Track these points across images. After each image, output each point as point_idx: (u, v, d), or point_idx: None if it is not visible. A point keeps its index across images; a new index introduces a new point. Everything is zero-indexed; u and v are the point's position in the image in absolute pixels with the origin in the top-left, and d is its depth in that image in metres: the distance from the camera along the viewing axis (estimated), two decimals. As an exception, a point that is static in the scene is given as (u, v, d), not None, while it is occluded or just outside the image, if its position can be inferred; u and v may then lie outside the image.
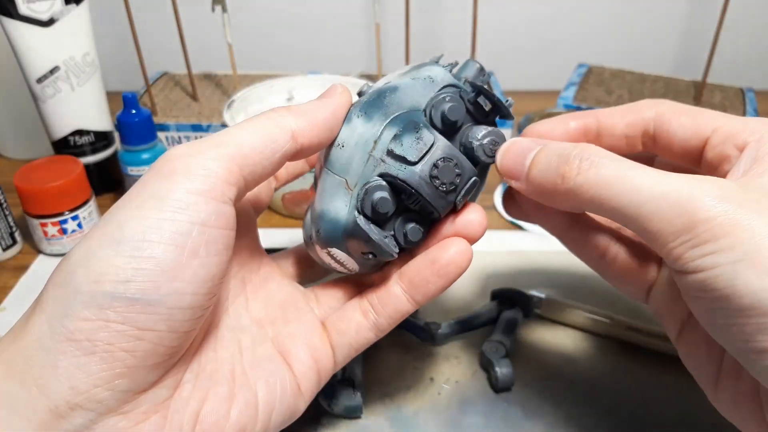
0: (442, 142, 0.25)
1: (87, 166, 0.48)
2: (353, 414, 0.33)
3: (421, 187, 0.25)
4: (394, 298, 0.28)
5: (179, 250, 0.21)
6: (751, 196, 0.21)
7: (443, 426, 0.33)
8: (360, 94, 0.28)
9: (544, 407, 0.33)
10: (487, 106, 0.26)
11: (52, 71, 0.50)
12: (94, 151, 0.54)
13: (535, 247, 0.47)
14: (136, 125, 0.48)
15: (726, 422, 0.25)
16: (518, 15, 0.74)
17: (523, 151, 0.26)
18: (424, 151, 0.25)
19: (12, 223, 0.47)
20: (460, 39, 0.70)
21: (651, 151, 0.29)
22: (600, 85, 0.65)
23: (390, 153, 0.25)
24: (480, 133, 0.26)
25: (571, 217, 0.29)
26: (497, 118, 0.27)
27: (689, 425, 0.32)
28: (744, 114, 0.60)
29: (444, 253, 0.27)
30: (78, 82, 0.51)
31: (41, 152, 0.58)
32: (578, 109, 0.60)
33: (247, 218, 0.31)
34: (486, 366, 0.35)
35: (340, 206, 0.26)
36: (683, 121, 0.26)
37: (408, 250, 0.29)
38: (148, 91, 0.60)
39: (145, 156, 0.49)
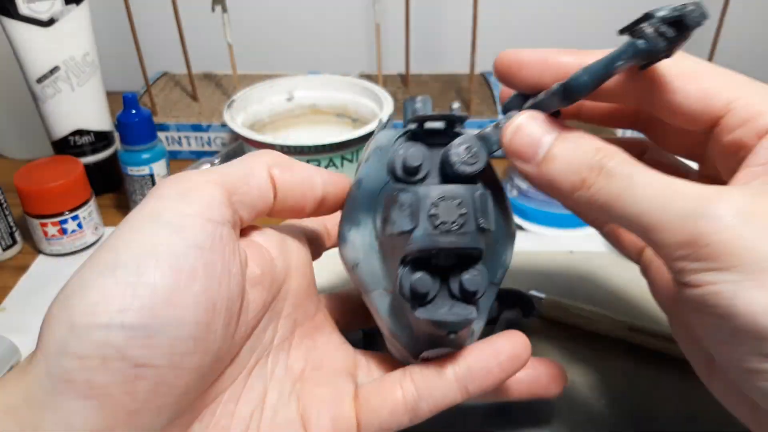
0: (421, 190, 0.23)
1: (87, 166, 0.48)
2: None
3: (437, 243, 0.23)
4: (444, 383, 0.25)
5: (177, 273, 0.20)
6: (760, 209, 0.20)
7: (443, 426, 0.33)
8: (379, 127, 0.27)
9: (545, 407, 0.33)
10: (438, 125, 0.25)
11: (52, 71, 0.50)
12: (94, 151, 0.54)
13: (535, 247, 0.47)
14: (136, 125, 0.48)
15: (726, 423, 0.25)
16: (518, 15, 0.74)
17: (536, 135, 0.23)
18: (411, 212, 0.23)
19: (12, 223, 0.47)
20: (460, 39, 0.70)
21: (641, 119, 0.27)
22: (600, 85, 0.65)
23: (391, 236, 0.24)
24: (451, 150, 0.24)
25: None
26: (459, 129, 0.25)
27: (689, 425, 0.32)
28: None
29: (508, 344, 0.25)
30: (78, 82, 0.51)
31: (41, 152, 0.58)
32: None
33: (299, 254, 0.27)
34: (486, 366, 0.35)
35: (384, 309, 0.26)
36: (690, 91, 0.23)
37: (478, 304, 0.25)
38: (148, 91, 0.60)
39: (145, 156, 0.49)
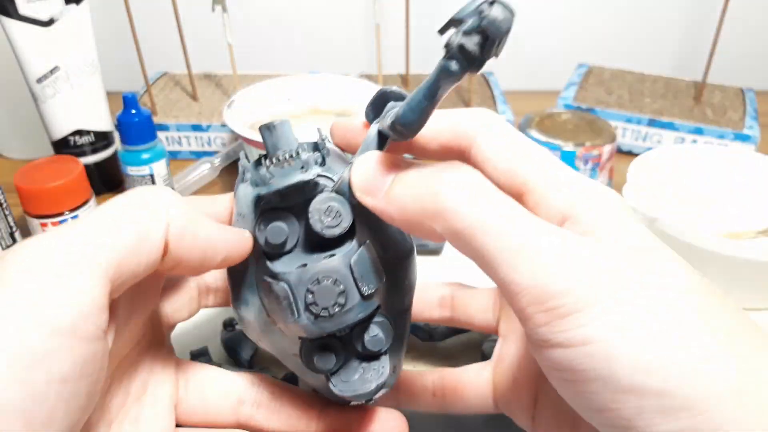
0: (293, 277, 0.21)
1: (87, 166, 0.48)
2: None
3: (324, 330, 0.22)
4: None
5: (27, 422, 0.16)
6: (610, 263, 0.18)
7: (443, 426, 0.33)
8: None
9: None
10: (292, 180, 0.22)
11: (52, 71, 0.50)
12: (94, 151, 0.54)
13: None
14: (136, 125, 0.48)
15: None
16: (518, 15, 0.74)
17: (384, 167, 0.21)
18: (288, 304, 0.22)
19: (12, 223, 0.47)
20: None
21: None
22: (600, 85, 0.65)
23: (266, 328, 0.24)
24: (312, 219, 0.22)
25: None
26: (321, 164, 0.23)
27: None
28: (744, 114, 0.60)
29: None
30: (78, 82, 0.51)
31: (41, 152, 0.58)
32: (578, 109, 0.60)
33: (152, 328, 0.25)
34: (486, 366, 0.35)
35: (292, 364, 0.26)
36: (499, 166, 0.21)
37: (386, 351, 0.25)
38: (148, 91, 0.60)
39: (145, 156, 0.49)
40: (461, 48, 0.18)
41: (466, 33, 0.18)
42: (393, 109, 0.21)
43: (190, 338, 0.37)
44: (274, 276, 0.22)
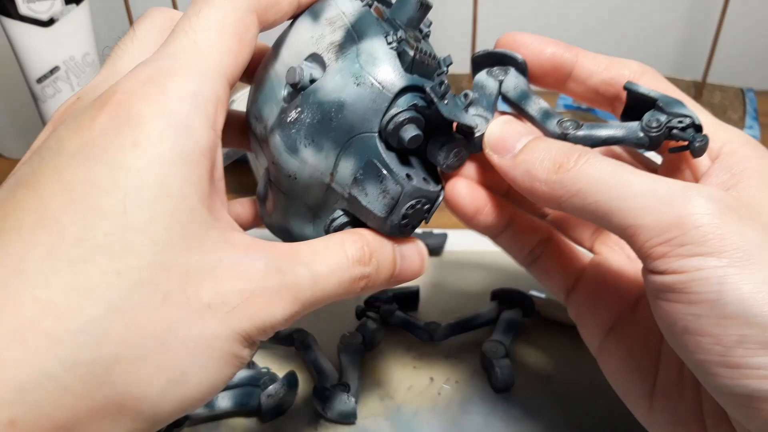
0: (409, 187, 0.23)
1: (87, 166, 0.48)
2: (347, 420, 0.33)
3: (398, 234, 0.24)
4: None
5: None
6: (739, 202, 0.20)
7: (443, 426, 0.33)
8: None
9: (544, 407, 0.33)
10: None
11: (52, 71, 0.50)
12: (94, 151, 0.54)
13: (535, 247, 0.47)
14: (136, 125, 0.47)
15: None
16: (518, 15, 0.74)
17: (517, 132, 0.24)
18: (391, 205, 0.23)
19: (12, 223, 0.47)
20: (460, 39, 0.70)
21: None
22: (600, 85, 0.65)
23: (355, 200, 0.23)
24: (443, 153, 0.24)
25: (507, 220, 0.28)
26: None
27: (689, 425, 0.32)
28: (744, 114, 0.60)
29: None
30: (78, 82, 0.51)
31: (41, 152, 0.58)
32: (578, 109, 0.60)
33: None
34: (486, 366, 0.35)
35: (308, 231, 0.25)
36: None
37: None
38: (148, 91, 0.60)
39: (145, 156, 0.48)
40: (663, 134, 0.23)
41: (681, 129, 0.23)
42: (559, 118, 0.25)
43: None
44: (390, 174, 0.22)
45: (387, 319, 0.38)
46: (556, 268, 0.29)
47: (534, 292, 0.39)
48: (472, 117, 0.25)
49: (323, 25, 0.23)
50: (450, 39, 0.75)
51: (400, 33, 0.22)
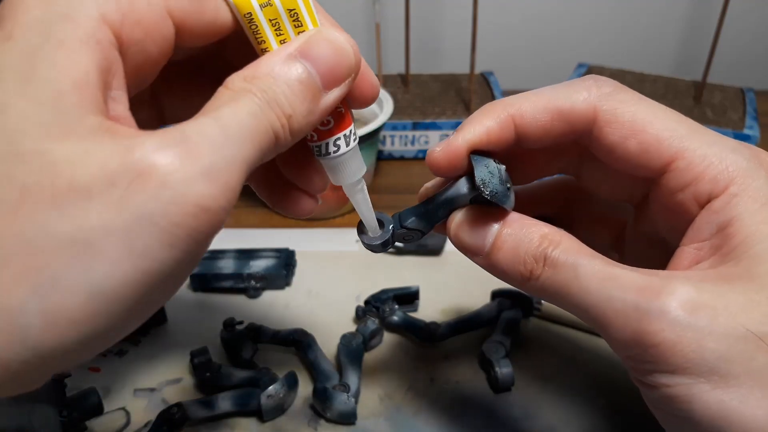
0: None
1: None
2: (347, 420, 0.33)
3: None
4: None
5: None
6: (704, 300, 0.18)
7: (443, 426, 0.33)
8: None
9: (544, 407, 0.33)
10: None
11: (52, 71, 0.50)
12: (94, 151, 0.54)
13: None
14: (136, 125, 0.47)
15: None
16: (518, 15, 0.74)
17: (481, 228, 0.23)
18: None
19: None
20: (460, 39, 0.70)
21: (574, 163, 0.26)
22: (600, 85, 0.65)
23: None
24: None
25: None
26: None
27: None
28: (744, 114, 0.60)
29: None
30: (78, 82, 0.51)
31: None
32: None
33: None
34: (486, 366, 0.35)
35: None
36: (629, 147, 0.22)
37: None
38: (147, 90, 0.60)
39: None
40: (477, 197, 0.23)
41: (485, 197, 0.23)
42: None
43: (190, 338, 0.37)
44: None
45: (387, 319, 0.38)
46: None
47: (534, 292, 0.39)
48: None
49: None
50: (450, 39, 0.75)
51: None
